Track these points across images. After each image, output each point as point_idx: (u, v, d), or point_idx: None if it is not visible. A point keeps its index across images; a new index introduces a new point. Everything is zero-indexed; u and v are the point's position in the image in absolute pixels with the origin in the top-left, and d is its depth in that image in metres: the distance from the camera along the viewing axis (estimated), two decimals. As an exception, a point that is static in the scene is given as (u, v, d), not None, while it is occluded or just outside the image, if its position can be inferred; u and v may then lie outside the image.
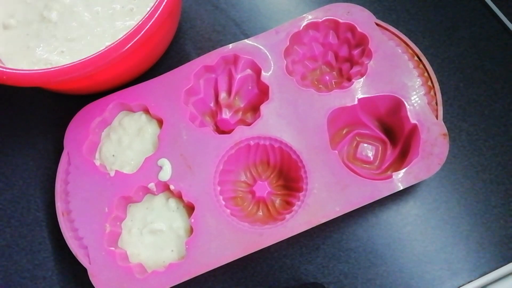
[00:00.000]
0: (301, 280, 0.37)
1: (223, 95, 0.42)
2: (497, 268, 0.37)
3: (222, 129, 0.41)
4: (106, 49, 0.34)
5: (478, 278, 0.37)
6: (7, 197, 0.42)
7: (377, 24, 0.40)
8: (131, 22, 0.39)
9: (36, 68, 0.38)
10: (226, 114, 0.41)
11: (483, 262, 0.37)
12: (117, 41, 0.34)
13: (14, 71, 0.35)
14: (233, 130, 0.38)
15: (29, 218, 0.41)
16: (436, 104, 0.37)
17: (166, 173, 0.37)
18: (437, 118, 0.36)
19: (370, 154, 0.39)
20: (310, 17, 0.41)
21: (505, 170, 0.40)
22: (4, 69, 0.35)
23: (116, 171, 0.37)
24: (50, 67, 0.35)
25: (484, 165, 0.40)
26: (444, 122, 0.36)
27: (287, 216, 0.35)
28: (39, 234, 0.40)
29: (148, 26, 0.35)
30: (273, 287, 0.37)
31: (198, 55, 0.40)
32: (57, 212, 0.37)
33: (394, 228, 0.38)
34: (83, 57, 0.34)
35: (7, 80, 0.35)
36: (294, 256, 0.38)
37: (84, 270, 0.35)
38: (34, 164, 0.43)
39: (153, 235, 0.36)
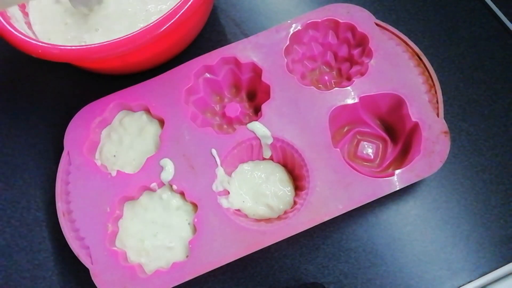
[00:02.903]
0: (301, 280, 0.37)
1: (226, 94, 0.42)
2: (497, 268, 0.37)
3: (228, 115, 0.40)
4: (141, 30, 0.34)
5: (478, 278, 0.37)
6: (7, 197, 0.42)
7: (376, 24, 0.40)
8: (164, 6, 0.39)
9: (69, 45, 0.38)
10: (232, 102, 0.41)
11: (483, 262, 0.37)
12: (152, 22, 0.34)
13: (48, 45, 0.35)
14: (239, 118, 0.38)
15: (29, 218, 0.41)
16: (437, 102, 0.37)
17: (168, 173, 0.36)
18: (438, 116, 0.37)
19: (371, 152, 0.39)
20: (310, 17, 0.41)
21: (505, 170, 0.40)
22: (40, 43, 0.35)
23: (118, 171, 0.37)
24: (83, 45, 0.36)
25: (484, 165, 0.40)
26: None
27: (290, 214, 0.35)
28: (39, 234, 0.40)
29: (184, 9, 0.35)
30: (273, 287, 0.37)
31: (198, 55, 0.40)
32: (57, 212, 0.37)
33: (394, 228, 0.38)
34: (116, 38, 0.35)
35: (42, 54, 0.35)
36: (294, 256, 0.38)
37: (84, 270, 0.35)
38: (34, 164, 0.43)
39: (155, 237, 0.36)
